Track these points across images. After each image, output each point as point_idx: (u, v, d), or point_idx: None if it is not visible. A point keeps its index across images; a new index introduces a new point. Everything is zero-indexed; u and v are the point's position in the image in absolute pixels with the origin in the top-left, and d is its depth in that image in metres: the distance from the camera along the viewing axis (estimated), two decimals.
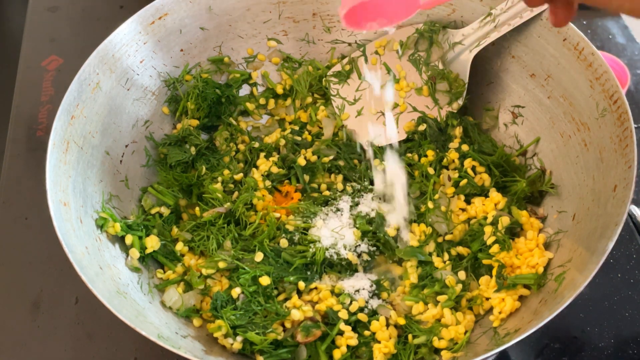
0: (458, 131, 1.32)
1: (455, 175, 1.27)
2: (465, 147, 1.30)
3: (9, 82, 1.61)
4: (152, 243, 1.18)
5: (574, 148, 1.18)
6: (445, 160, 1.30)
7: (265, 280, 1.14)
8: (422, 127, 1.33)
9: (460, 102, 1.33)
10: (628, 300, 1.25)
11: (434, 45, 1.34)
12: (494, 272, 1.14)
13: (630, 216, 1.36)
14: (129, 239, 1.16)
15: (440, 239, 1.23)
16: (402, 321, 1.12)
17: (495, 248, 1.16)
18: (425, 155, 1.31)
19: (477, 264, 1.18)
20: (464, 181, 1.26)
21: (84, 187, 1.14)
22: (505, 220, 1.18)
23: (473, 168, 1.28)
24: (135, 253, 1.15)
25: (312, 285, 1.18)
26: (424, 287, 1.16)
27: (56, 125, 1.11)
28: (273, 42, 1.43)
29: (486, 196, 1.25)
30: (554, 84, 1.23)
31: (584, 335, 1.21)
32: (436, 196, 1.26)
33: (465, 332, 1.09)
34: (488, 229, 1.18)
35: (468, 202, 1.26)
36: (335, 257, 1.19)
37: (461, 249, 1.20)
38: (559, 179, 1.21)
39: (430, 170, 1.29)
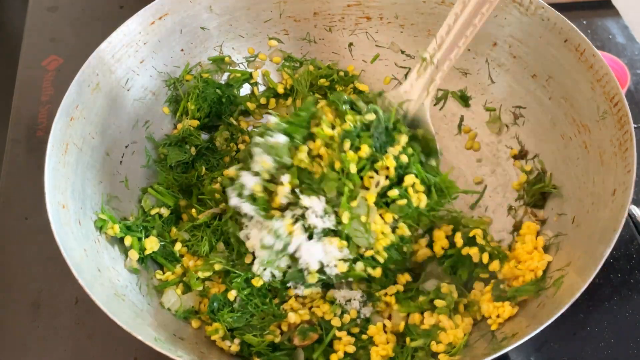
0: (403, 139, 1.16)
1: (395, 193, 1.12)
2: (404, 158, 1.14)
3: (9, 82, 1.60)
4: (152, 244, 1.18)
5: (574, 150, 1.18)
6: (379, 163, 1.13)
7: (257, 282, 1.14)
8: (370, 117, 1.15)
9: (436, 160, 1.20)
10: (628, 300, 1.25)
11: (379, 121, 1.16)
12: (489, 288, 1.13)
13: (630, 216, 1.35)
14: (128, 240, 1.16)
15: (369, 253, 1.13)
16: (400, 328, 1.11)
17: (494, 265, 1.13)
18: (359, 149, 1.13)
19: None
20: (403, 201, 1.12)
21: (83, 188, 1.14)
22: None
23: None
24: (134, 254, 1.15)
25: (306, 292, 1.17)
26: (412, 298, 1.14)
27: (55, 127, 1.11)
28: (274, 41, 1.42)
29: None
30: (555, 85, 1.23)
31: (584, 335, 1.21)
32: (354, 202, 1.11)
33: (464, 336, 1.09)
34: (473, 251, 1.13)
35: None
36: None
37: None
38: (559, 181, 1.21)
39: (352, 168, 1.11)
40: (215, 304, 1.12)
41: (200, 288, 1.16)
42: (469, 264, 1.14)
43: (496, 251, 1.14)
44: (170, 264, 1.20)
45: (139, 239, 1.18)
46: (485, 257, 1.13)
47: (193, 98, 1.33)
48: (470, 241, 1.15)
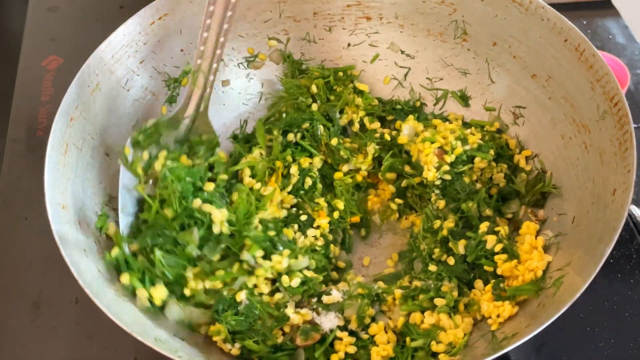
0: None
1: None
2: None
3: (9, 82, 1.60)
4: (159, 293, 1.08)
5: (574, 150, 1.18)
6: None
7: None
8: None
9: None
10: (628, 300, 1.25)
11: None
12: (489, 287, 1.13)
13: (630, 216, 1.35)
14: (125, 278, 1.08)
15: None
16: (400, 323, 1.11)
17: (502, 258, 1.14)
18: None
19: (475, 273, 1.17)
20: None
21: (83, 189, 1.14)
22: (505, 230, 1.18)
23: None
24: (143, 299, 1.07)
25: None
26: (414, 298, 1.14)
27: (55, 127, 1.11)
28: (274, 41, 1.42)
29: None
30: (555, 85, 1.23)
31: (584, 335, 1.21)
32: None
33: (464, 336, 1.09)
34: (491, 238, 1.16)
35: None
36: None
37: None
38: (559, 181, 1.21)
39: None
40: (220, 305, 1.10)
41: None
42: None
43: (511, 247, 1.15)
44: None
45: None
46: (499, 246, 1.14)
47: None
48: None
